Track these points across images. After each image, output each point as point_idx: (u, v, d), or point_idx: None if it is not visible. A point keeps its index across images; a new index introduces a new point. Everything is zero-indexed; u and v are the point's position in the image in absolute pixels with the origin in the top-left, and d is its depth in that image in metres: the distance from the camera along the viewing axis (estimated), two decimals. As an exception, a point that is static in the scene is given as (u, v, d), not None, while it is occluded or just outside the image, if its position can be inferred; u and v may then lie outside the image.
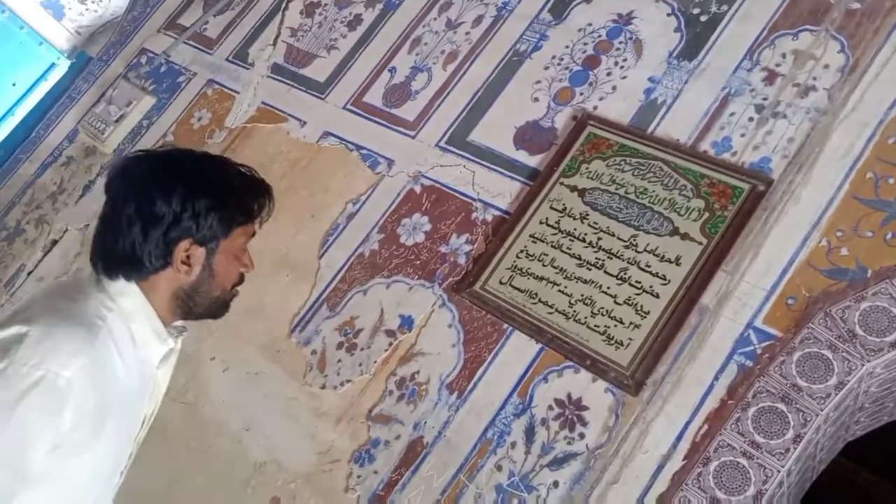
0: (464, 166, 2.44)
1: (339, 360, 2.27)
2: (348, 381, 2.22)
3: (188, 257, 1.20)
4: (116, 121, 3.41)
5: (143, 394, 1.24)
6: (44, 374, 1.03)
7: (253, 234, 1.31)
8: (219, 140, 3.07)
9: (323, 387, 2.25)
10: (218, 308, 1.30)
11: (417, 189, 2.48)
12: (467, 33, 2.71)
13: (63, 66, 3.99)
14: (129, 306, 1.19)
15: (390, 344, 2.22)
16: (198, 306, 1.27)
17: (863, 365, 1.66)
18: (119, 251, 1.18)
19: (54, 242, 3.25)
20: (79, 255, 3.13)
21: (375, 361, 2.21)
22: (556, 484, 1.82)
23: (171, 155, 1.26)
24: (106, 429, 1.13)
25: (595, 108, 2.32)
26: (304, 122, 2.89)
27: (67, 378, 1.04)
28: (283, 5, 3.29)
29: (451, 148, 2.50)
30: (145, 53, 3.67)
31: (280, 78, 3.10)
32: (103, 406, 1.10)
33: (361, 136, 2.71)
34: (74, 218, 3.28)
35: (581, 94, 2.37)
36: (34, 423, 1.02)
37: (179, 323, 1.32)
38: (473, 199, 2.36)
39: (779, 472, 1.63)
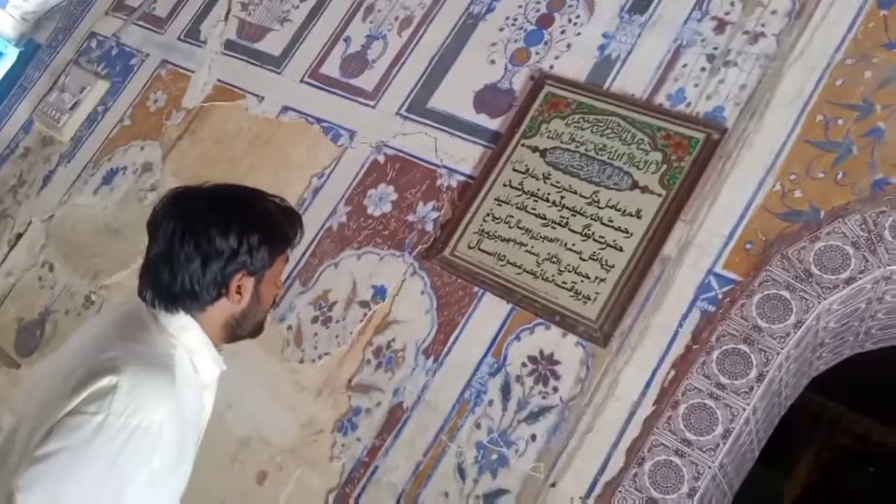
0: (425, 133, 2.45)
1: (316, 334, 2.30)
2: (326, 353, 2.26)
3: (240, 288, 1.29)
4: (71, 108, 3.36)
5: (199, 415, 1.35)
6: (139, 422, 1.12)
7: (287, 260, 1.42)
8: (177, 121, 3.04)
9: (301, 361, 2.28)
10: (258, 329, 1.41)
11: (381, 159, 2.49)
12: (420, -2, 2.69)
13: (11, 54, 3.89)
14: (190, 341, 1.28)
15: (365, 314, 2.25)
16: (244, 330, 1.37)
17: (819, 302, 1.72)
18: (178, 286, 1.25)
19: (19, 236, 3.22)
20: (44, 246, 3.10)
21: (351, 332, 2.25)
22: (533, 437, 1.89)
23: (218, 193, 1.32)
24: (185, 456, 1.25)
25: (551, 67, 2.33)
26: (262, 98, 2.87)
27: (158, 422, 1.14)
28: (232, -21, 3.24)
29: (411, 116, 2.51)
30: (95, 37, 3.60)
31: (234, 54, 3.06)
32: (182, 439, 1.22)
33: (321, 109, 2.70)
34: (37, 209, 3.24)
35: (537, 53, 2.38)
36: (134, 464, 1.13)
37: None
38: (437, 166, 2.38)
39: (744, 410, 1.70)
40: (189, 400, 1.26)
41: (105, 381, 1.12)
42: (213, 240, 1.25)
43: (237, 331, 1.36)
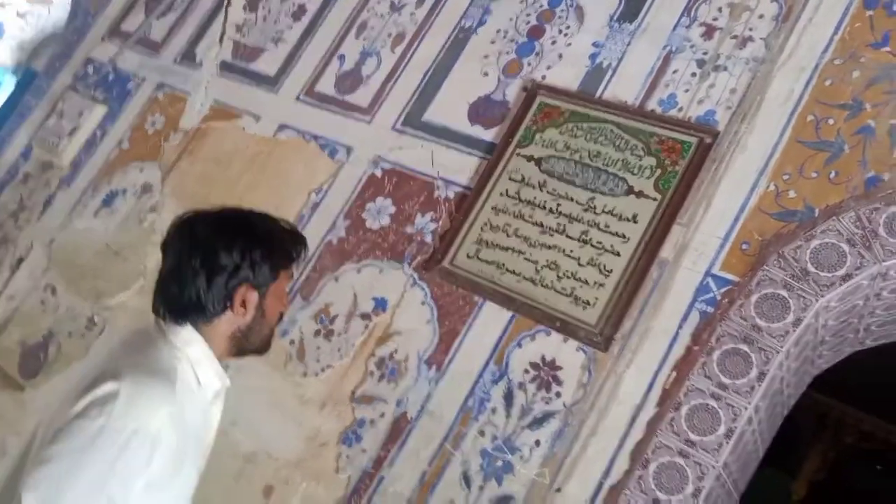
0: (421, 146, 2.47)
1: (318, 348, 2.31)
2: (329, 366, 2.27)
3: (244, 301, 1.36)
4: (70, 133, 3.38)
5: (204, 429, 1.39)
6: (137, 427, 1.17)
7: (292, 277, 1.49)
8: (175, 143, 3.07)
9: (304, 375, 2.29)
10: (264, 344, 1.45)
11: (378, 173, 2.51)
12: (412, 14, 2.73)
13: (9, 82, 3.94)
14: (194, 354, 1.34)
15: (366, 327, 2.27)
16: (251, 344, 1.42)
17: (817, 300, 1.74)
18: (185, 299, 1.33)
19: (21, 260, 3.23)
20: (46, 270, 3.12)
21: (354, 345, 2.26)
22: (537, 443, 1.89)
23: (224, 214, 1.41)
24: (183, 465, 1.29)
25: (543, 77, 2.36)
26: (259, 117, 2.90)
27: (157, 427, 1.19)
28: (226, 1, 3.27)
29: (407, 129, 2.54)
30: (91, 63, 3.64)
31: (230, 75, 3.09)
32: (181, 447, 1.25)
33: (317, 126, 2.73)
34: (38, 234, 3.26)
35: (529, 64, 2.41)
36: (133, 468, 1.17)
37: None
38: (434, 178, 2.40)
39: (746, 409, 1.71)
40: (191, 412, 1.30)
41: (107, 388, 1.18)
42: (218, 255, 1.32)
43: (244, 344, 1.41)
